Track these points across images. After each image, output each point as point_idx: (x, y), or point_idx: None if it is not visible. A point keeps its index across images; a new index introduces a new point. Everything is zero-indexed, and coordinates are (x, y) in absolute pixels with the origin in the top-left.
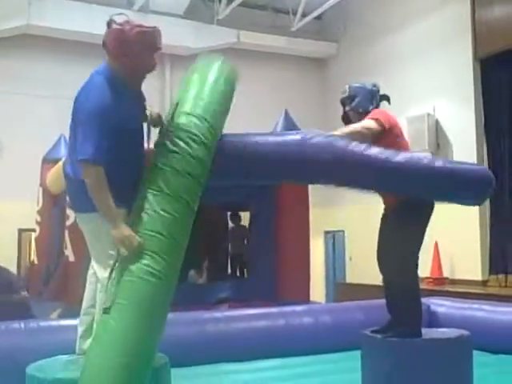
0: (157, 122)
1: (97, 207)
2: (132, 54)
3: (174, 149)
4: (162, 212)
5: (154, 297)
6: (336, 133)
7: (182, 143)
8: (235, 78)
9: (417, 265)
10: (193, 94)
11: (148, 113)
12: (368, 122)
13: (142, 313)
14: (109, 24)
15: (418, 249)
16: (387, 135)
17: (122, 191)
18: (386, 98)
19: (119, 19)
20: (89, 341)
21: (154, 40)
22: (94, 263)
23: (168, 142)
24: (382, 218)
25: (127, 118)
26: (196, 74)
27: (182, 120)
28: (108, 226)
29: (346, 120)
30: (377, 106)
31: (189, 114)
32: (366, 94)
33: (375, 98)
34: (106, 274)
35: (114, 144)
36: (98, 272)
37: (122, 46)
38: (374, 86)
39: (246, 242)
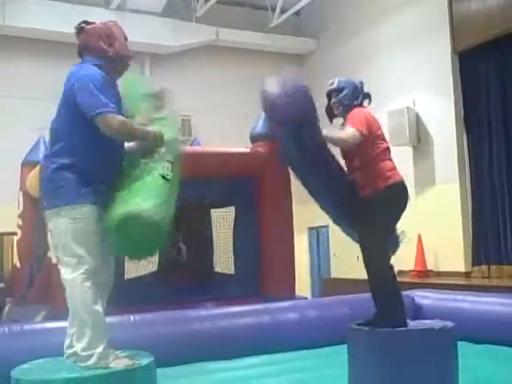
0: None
1: (137, 139)
2: (116, 44)
3: None
4: None
5: None
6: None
7: None
8: None
9: (389, 256)
10: None
11: None
12: (352, 133)
13: None
14: (80, 29)
15: (386, 239)
16: (365, 141)
17: (92, 172)
18: (368, 96)
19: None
20: (79, 344)
21: (123, 31)
22: (59, 266)
23: None
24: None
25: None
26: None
27: None
28: (71, 225)
29: (330, 112)
30: (360, 103)
31: None
32: (353, 88)
33: (360, 94)
34: (70, 276)
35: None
36: (63, 274)
37: (105, 39)
38: (360, 83)
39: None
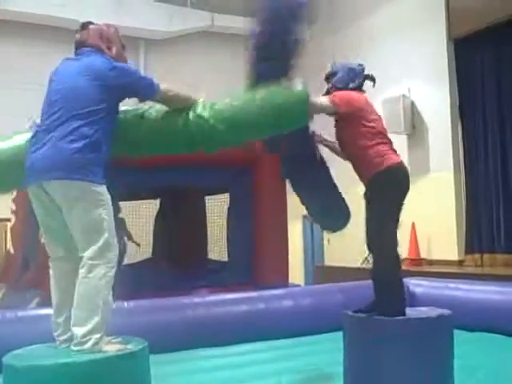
0: None
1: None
2: (114, 48)
3: None
4: None
5: None
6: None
7: None
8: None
9: (395, 243)
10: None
11: None
12: (324, 100)
13: None
14: (84, 25)
15: (395, 225)
16: (351, 119)
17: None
18: (371, 78)
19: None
20: (82, 328)
21: (121, 39)
22: (79, 244)
23: None
24: (364, 197)
25: None
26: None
27: None
28: (94, 196)
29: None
30: (359, 86)
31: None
32: (347, 71)
33: (358, 77)
34: (91, 253)
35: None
36: (84, 252)
37: (105, 41)
38: (359, 65)
39: (124, 236)
